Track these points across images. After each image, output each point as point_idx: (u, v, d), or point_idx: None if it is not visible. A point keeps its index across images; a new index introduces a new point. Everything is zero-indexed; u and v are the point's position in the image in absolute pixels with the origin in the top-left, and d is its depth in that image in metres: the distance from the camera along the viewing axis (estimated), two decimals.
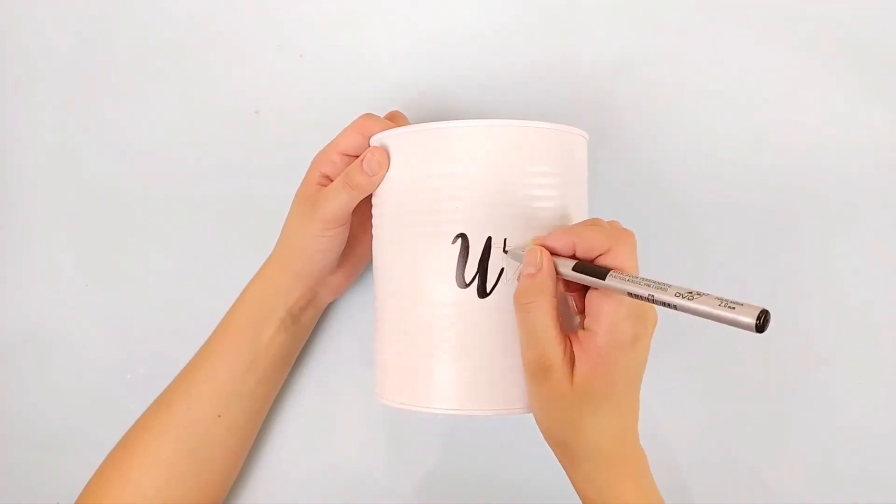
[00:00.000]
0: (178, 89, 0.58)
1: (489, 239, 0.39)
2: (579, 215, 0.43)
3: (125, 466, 0.47)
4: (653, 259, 0.53)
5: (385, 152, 0.42)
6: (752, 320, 0.29)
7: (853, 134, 0.54)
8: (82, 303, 0.58)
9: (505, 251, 0.39)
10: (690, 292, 0.32)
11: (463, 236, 0.39)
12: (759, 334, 0.30)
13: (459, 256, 0.39)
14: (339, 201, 0.44)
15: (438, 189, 0.40)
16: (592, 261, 0.37)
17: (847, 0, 0.55)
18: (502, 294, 0.39)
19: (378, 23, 0.57)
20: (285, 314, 0.48)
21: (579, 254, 0.37)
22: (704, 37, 0.55)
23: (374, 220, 0.45)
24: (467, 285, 0.39)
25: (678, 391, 0.54)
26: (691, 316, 0.32)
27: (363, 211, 0.47)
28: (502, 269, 0.39)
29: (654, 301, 0.34)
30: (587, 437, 0.38)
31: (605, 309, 0.37)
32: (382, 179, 0.43)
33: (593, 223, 0.39)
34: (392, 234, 0.43)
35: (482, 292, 0.39)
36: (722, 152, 0.55)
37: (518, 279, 0.39)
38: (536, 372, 0.37)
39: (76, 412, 0.57)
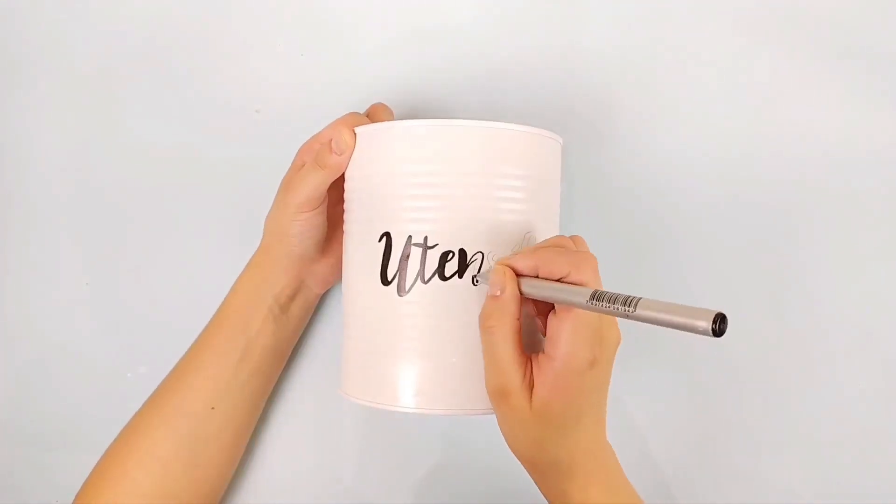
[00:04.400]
0: (179, 87, 0.58)
1: (409, 238, 0.39)
2: (545, 219, 0.42)
3: (122, 462, 0.48)
4: (655, 258, 0.54)
5: (352, 133, 0.43)
6: (707, 324, 0.29)
7: (854, 135, 0.54)
8: (83, 302, 0.58)
9: (475, 278, 0.39)
10: (632, 300, 0.32)
11: (387, 235, 0.40)
12: (717, 338, 0.29)
13: (383, 254, 0.40)
14: (310, 183, 0.44)
15: (382, 185, 0.41)
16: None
17: (847, 0, 0.54)
18: (420, 293, 0.39)
19: (379, 21, 0.57)
20: (272, 302, 0.49)
21: (541, 275, 0.38)
22: (704, 38, 0.55)
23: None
24: (388, 283, 0.39)
25: (679, 391, 0.54)
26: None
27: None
28: (420, 269, 0.39)
29: (607, 312, 0.33)
30: (550, 455, 0.39)
31: (562, 335, 0.37)
32: (349, 160, 0.43)
33: (557, 244, 0.39)
34: (346, 229, 0.44)
35: (400, 290, 0.39)
36: (722, 153, 0.54)
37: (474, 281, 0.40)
38: (497, 395, 0.38)
39: (76, 411, 0.57)
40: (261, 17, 0.58)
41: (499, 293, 0.37)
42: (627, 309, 0.32)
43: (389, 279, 0.39)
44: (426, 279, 0.39)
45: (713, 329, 0.28)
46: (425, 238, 0.39)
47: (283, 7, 0.57)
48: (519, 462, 0.41)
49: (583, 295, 0.34)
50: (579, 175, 0.54)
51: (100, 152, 0.58)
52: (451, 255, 0.38)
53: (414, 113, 0.56)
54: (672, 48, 0.55)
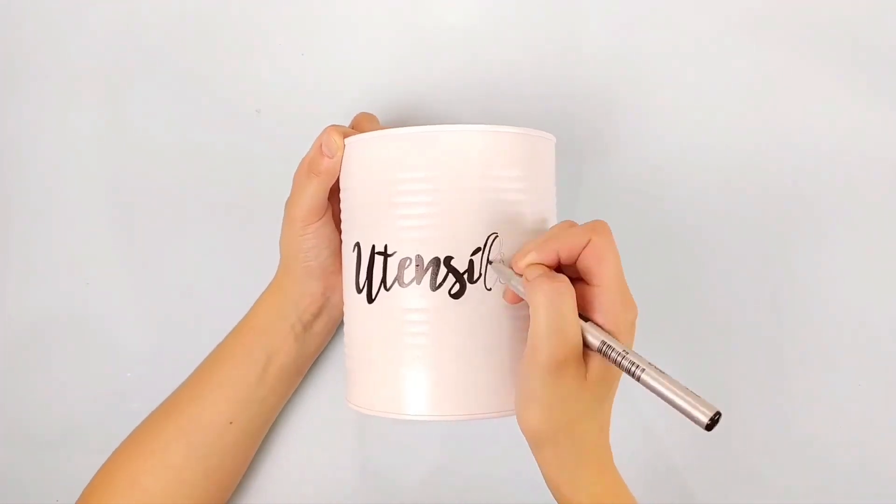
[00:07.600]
0: (179, 88, 0.58)
1: (373, 247, 0.41)
2: (546, 219, 0.43)
3: (133, 468, 0.48)
4: (654, 258, 0.55)
5: (340, 132, 0.44)
6: (705, 418, 0.32)
7: (855, 135, 0.53)
8: (83, 301, 0.58)
9: (489, 262, 0.40)
10: (659, 372, 0.35)
11: (357, 244, 0.42)
12: (707, 431, 0.32)
13: (356, 263, 0.42)
14: (308, 192, 0.45)
15: (349, 197, 0.44)
16: (575, 261, 0.38)
17: (848, 0, 0.53)
18: (382, 300, 0.41)
19: (380, 22, 0.57)
20: (296, 320, 0.49)
21: (563, 257, 0.38)
22: (704, 38, 0.54)
23: None
24: (360, 291, 0.42)
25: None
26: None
27: None
28: (383, 276, 0.41)
29: (626, 371, 0.36)
30: (580, 432, 0.38)
31: (611, 308, 0.38)
32: (341, 162, 0.44)
33: (568, 224, 0.40)
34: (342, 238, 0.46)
35: (369, 298, 0.42)
36: (722, 153, 0.54)
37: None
38: (554, 368, 0.36)
39: (77, 411, 0.57)
40: (261, 17, 0.58)
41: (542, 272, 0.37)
42: (635, 369, 0.34)
43: (360, 287, 0.42)
44: (388, 286, 0.41)
45: (707, 424, 0.31)
46: (385, 246, 0.41)
47: (283, 7, 0.58)
48: (528, 440, 0.39)
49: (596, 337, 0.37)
50: (578, 176, 0.55)
51: (100, 153, 0.58)
52: (408, 261, 0.40)
53: (414, 111, 0.57)
54: (671, 48, 0.54)
